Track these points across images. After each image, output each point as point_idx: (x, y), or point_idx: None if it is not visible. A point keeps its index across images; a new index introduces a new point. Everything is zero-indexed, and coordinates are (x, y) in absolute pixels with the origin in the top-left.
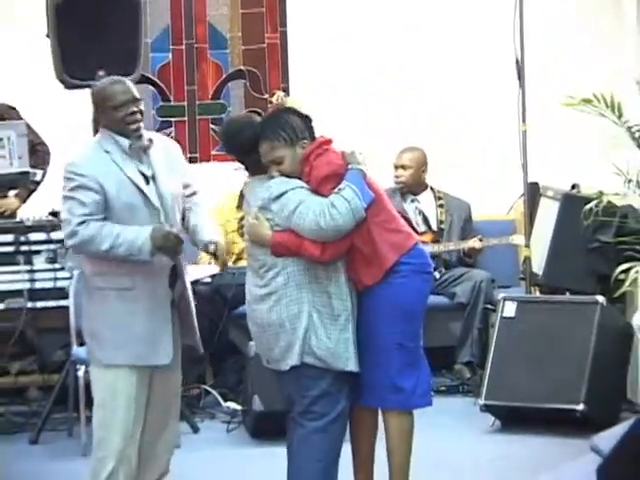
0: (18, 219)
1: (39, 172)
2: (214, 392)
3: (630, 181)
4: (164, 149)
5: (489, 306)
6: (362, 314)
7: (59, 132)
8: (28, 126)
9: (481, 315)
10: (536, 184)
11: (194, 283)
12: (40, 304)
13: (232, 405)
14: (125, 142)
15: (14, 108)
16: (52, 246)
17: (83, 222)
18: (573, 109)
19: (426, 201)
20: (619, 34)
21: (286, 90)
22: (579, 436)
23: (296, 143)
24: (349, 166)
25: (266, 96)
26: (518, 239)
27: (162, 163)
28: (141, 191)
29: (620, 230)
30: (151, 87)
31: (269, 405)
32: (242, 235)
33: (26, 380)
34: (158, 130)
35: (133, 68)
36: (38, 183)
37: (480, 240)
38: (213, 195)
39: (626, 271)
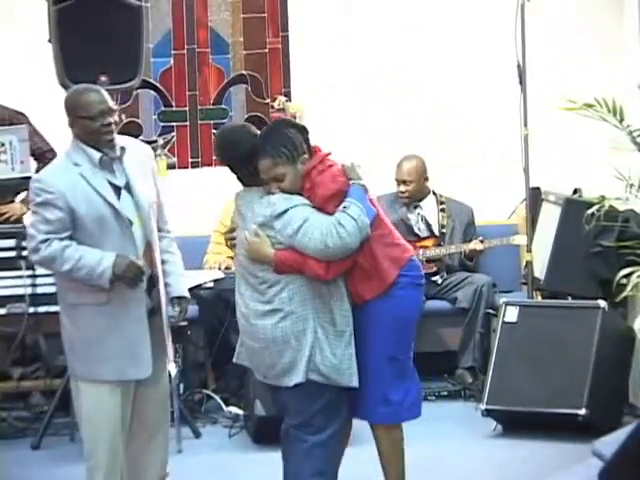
0: (21, 224)
1: None
2: (216, 397)
3: (632, 185)
4: (137, 155)
5: (491, 311)
6: (357, 327)
7: (60, 137)
8: (37, 132)
9: (483, 320)
10: (538, 189)
11: (196, 288)
12: (42, 309)
13: (234, 410)
14: (95, 155)
15: (23, 114)
16: None
17: (46, 240)
18: (575, 113)
19: (429, 206)
20: (620, 38)
21: (288, 95)
22: (581, 441)
23: (297, 159)
24: (351, 182)
25: (268, 101)
26: (519, 239)
27: (136, 169)
28: (110, 204)
29: (622, 235)
30: (153, 92)
31: (271, 410)
32: (232, 247)
33: (28, 385)
34: (160, 135)
35: (135, 73)
36: None
37: (481, 241)
38: (214, 201)
39: (628, 275)
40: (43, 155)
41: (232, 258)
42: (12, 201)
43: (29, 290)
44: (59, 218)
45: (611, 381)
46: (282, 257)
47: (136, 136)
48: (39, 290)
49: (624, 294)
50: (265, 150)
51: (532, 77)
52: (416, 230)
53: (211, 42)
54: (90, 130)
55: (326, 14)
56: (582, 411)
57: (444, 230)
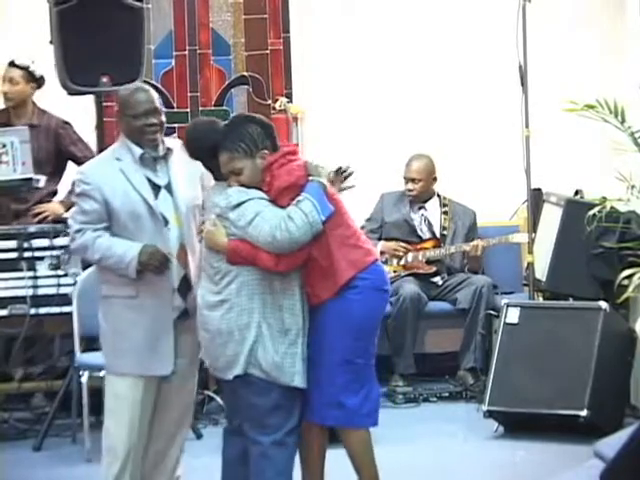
0: (21, 225)
1: (42, 178)
2: (217, 398)
3: (633, 187)
4: (186, 158)
5: (492, 312)
6: (313, 328)
7: None
8: (81, 140)
9: (484, 321)
10: (539, 190)
11: None
12: (43, 310)
13: None
14: (137, 151)
15: (69, 123)
16: (55, 252)
17: (80, 230)
18: (576, 114)
19: (432, 208)
20: (622, 39)
21: (289, 96)
22: (583, 442)
23: (255, 154)
24: (310, 178)
25: (269, 102)
26: (519, 237)
27: (181, 172)
28: (146, 201)
29: (623, 236)
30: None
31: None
32: (200, 241)
33: (30, 386)
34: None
35: (136, 74)
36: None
37: (480, 239)
38: None
39: (629, 277)
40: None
41: None
42: (49, 201)
43: (30, 291)
44: (95, 209)
45: (613, 382)
46: (235, 247)
47: None
48: (40, 291)
49: (625, 295)
50: (224, 145)
51: (533, 78)
52: (419, 231)
53: (212, 43)
54: (134, 128)
55: (328, 15)
56: (584, 412)
57: (445, 232)
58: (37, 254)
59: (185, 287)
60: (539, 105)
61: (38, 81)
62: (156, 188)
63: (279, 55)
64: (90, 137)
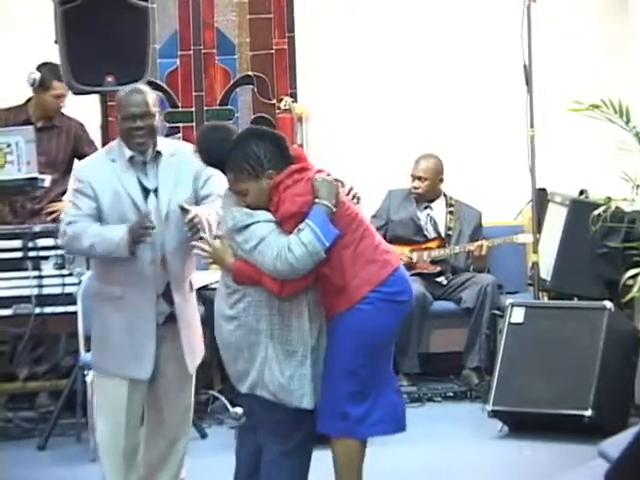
0: (26, 225)
1: (47, 178)
2: (222, 398)
3: (638, 187)
4: (177, 161)
5: (497, 312)
6: (327, 341)
7: None
8: (92, 143)
9: (489, 320)
10: (544, 190)
11: (202, 289)
12: (48, 310)
13: (240, 411)
14: (128, 153)
15: (84, 125)
16: (60, 252)
17: (71, 222)
18: (581, 114)
19: (438, 208)
20: (627, 38)
21: (294, 96)
22: (587, 442)
23: (261, 175)
24: (316, 200)
25: (274, 102)
26: (523, 238)
27: (170, 176)
28: (135, 204)
29: (628, 236)
30: (159, 93)
31: None
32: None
33: (34, 386)
34: (166, 136)
35: (141, 74)
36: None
37: (485, 239)
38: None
39: (634, 277)
40: None
41: None
42: (61, 200)
43: (35, 291)
44: (87, 205)
45: (617, 382)
46: (241, 267)
47: None
48: (45, 291)
49: (630, 295)
50: (229, 164)
51: (538, 78)
52: (424, 231)
53: (217, 43)
54: (123, 129)
55: (332, 15)
56: (588, 412)
57: (450, 232)
58: (42, 253)
59: (169, 293)
60: (544, 105)
61: None
62: (146, 191)
63: (284, 55)
64: (94, 136)
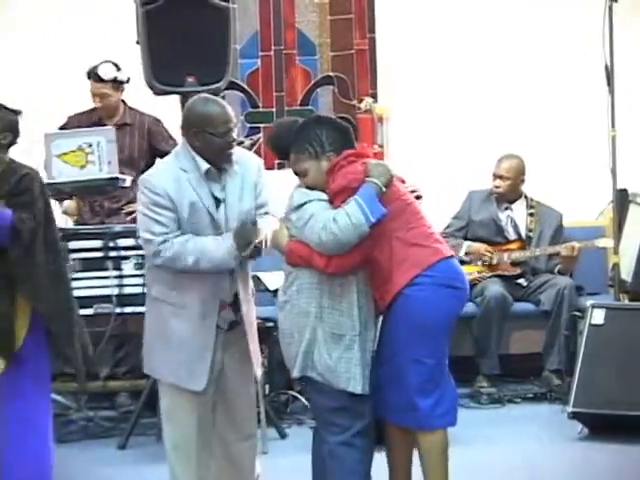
0: (106, 225)
1: (128, 178)
2: (302, 398)
3: None
4: (242, 170)
5: (577, 313)
6: (383, 329)
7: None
8: (173, 139)
9: (568, 322)
10: (625, 190)
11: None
12: (128, 309)
13: None
14: (204, 165)
15: (160, 120)
16: (140, 252)
17: (165, 241)
18: None
19: (519, 209)
20: None
21: (374, 96)
22: None
23: (321, 156)
24: (367, 179)
25: (354, 102)
26: (604, 242)
27: (236, 185)
28: (211, 216)
29: None
30: (240, 93)
31: None
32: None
33: (115, 385)
34: (247, 136)
35: (222, 74)
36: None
37: (566, 240)
38: None
39: None
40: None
41: None
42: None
43: (116, 290)
44: (170, 218)
45: None
46: (293, 248)
47: None
48: (126, 290)
49: None
50: (293, 145)
51: (620, 78)
52: (505, 232)
53: (298, 43)
54: (215, 146)
55: (413, 15)
56: None
57: (531, 234)
58: (123, 253)
59: (237, 302)
60: (625, 105)
61: (125, 83)
62: (217, 201)
63: (365, 55)
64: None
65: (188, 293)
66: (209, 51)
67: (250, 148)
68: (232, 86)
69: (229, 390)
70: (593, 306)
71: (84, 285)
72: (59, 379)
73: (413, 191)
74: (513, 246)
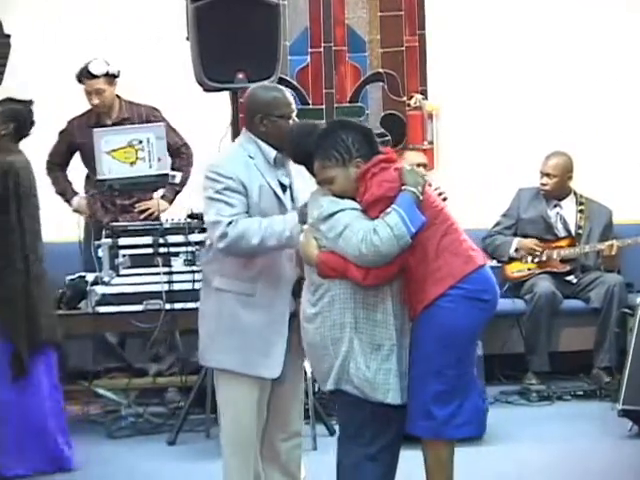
0: (157, 221)
1: (178, 174)
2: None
3: None
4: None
5: (627, 310)
6: (411, 340)
7: (197, 135)
8: (172, 129)
9: (618, 320)
10: None
11: None
12: (178, 306)
13: None
14: (271, 153)
15: (157, 109)
16: (190, 248)
17: (232, 222)
18: None
19: (568, 206)
20: None
21: (424, 93)
22: None
23: (349, 163)
24: (402, 187)
25: (404, 99)
26: None
27: (298, 172)
28: (279, 199)
29: None
30: (289, 90)
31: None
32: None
33: (164, 381)
34: None
35: (272, 71)
36: (181, 185)
37: (616, 239)
38: None
39: None
40: (178, 150)
41: None
42: (151, 198)
43: (166, 287)
44: (241, 202)
45: None
46: (325, 259)
47: None
48: (175, 287)
49: None
50: (316, 152)
51: None
52: (554, 229)
53: (348, 40)
54: (282, 129)
55: (463, 12)
56: None
57: (580, 231)
58: (172, 250)
59: (299, 290)
60: None
61: (117, 76)
62: (283, 188)
63: (414, 52)
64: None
65: (258, 282)
66: (259, 48)
67: None
68: (281, 83)
69: (282, 385)
70: None
71: (134, 282)
72: (107, 376)
73: (440, 194)
74: (563, 243)
